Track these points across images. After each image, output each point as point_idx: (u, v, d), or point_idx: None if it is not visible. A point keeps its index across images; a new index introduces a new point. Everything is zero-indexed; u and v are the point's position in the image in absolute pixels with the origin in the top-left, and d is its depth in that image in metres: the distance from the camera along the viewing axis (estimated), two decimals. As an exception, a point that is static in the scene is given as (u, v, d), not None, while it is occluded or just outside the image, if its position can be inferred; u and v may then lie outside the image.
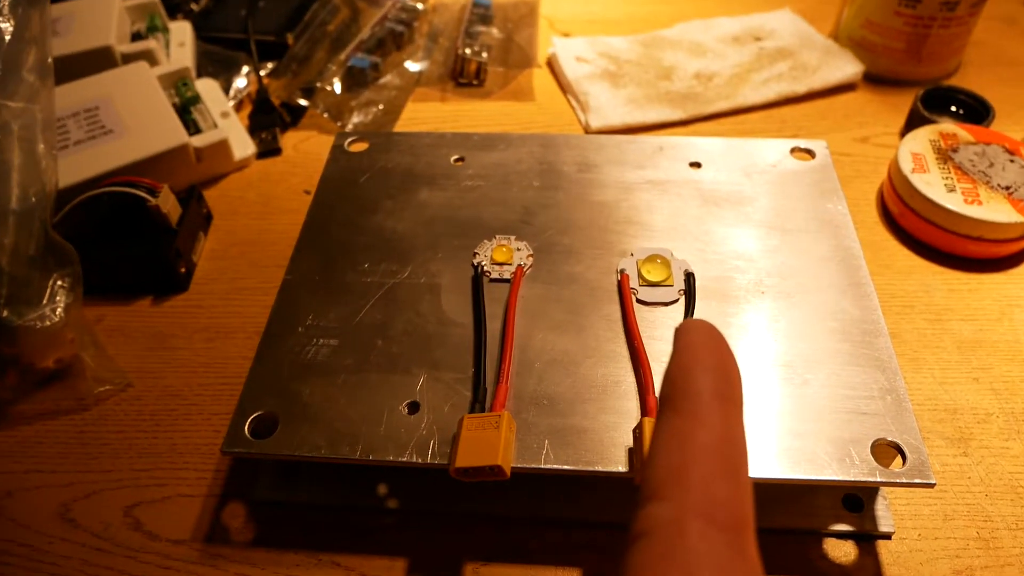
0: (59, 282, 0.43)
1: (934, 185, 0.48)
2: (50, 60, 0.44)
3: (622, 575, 0.18)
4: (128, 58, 0.57)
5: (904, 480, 0.32)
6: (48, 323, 0.41)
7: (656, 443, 0.20)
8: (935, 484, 0.32)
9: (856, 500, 0.37)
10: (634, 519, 0.19)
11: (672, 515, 0.18)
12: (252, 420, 0.35)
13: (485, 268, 0.41)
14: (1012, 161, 0.49)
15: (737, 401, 0.21)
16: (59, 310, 0.42)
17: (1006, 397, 0.42)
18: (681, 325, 0.23)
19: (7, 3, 0.43)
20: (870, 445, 0.33)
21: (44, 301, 0.42)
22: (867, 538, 0.36)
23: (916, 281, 0.48)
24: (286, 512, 0.38)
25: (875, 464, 0.33)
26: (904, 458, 0.33)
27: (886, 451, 0.33)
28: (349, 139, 0.50)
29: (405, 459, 0.34)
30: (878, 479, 0.32)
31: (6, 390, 0.43)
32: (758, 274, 0.41)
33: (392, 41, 0.66)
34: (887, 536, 0.36)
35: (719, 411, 0.20)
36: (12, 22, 0.43)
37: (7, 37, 0.42)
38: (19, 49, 0.43)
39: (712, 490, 0.19)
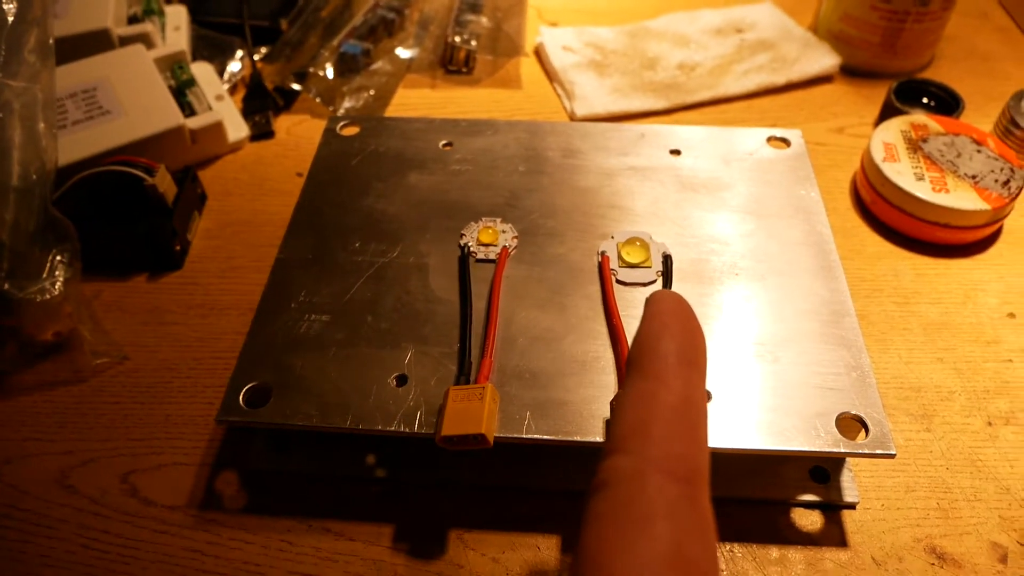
0: (58, 257, 0.44)
1: (904, 174, 0.50)
2: (51, 41, 0.45)
3: (584, 522, 0.20)
4: (125, 40, 0.58)
5: (867, 451, 0.34)
6: (48, 296, 0.43)
7: (622, 401, 0.22)
8: (895, 455, 0.34)
9: (823, 472, 0.39)
10: (597, 470, 0.21)
11: (633, 467, 0.20)
12: (246, 390, 0.37)
13: (471, 249, 0.43)
14: (979, 151, 0.51)
15: (700, 367, 0.23)
16: (58, 284, 0.43)
17: (968, 376, 0.44)
18: (652, 295, 0.25)
19: (9, -15, 0.44)
20: (835, 418, 0.35)
21: (44, 275, 0.43)
22: (833, 508, 0.38)
23: (885, 266, 0.50)
24: (278, 480, 0.40)
25: (839, 436, 0.34)
26: (867, 430, 0.35)
27: (851, 424, 0.35)
28: (341, 123, 0.51)
29: (393, 428, 0.35)
30: (842, 450, 0.34)
31: (5, 361, 0.44)
32: (733, 257, 0.42)
33: (384, 28, 0.67)
34: (852, 506, 0.38)
35: (682, 374, 0.22)
36: (15, 3, 0.44)
37: (10, 18, 0.43)
38: (22, 30, 0.44)
39: (671, 446, 0.20)
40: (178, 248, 0.50)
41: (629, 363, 0.23)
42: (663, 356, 0.22)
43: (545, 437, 0.35)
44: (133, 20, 0.62)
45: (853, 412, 0.35)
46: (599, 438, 0.35)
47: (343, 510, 0.39)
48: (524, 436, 0.35)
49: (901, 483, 0.39)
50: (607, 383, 0.37)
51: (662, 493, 0.19)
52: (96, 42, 0.57)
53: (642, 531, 0.19)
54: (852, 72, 0.66)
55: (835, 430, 0.35)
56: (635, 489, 0.19)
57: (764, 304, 0.40)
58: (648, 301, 0.24)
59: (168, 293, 0.49)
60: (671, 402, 0.21)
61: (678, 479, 0.20)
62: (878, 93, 0.63)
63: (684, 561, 0.18)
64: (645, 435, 0.21)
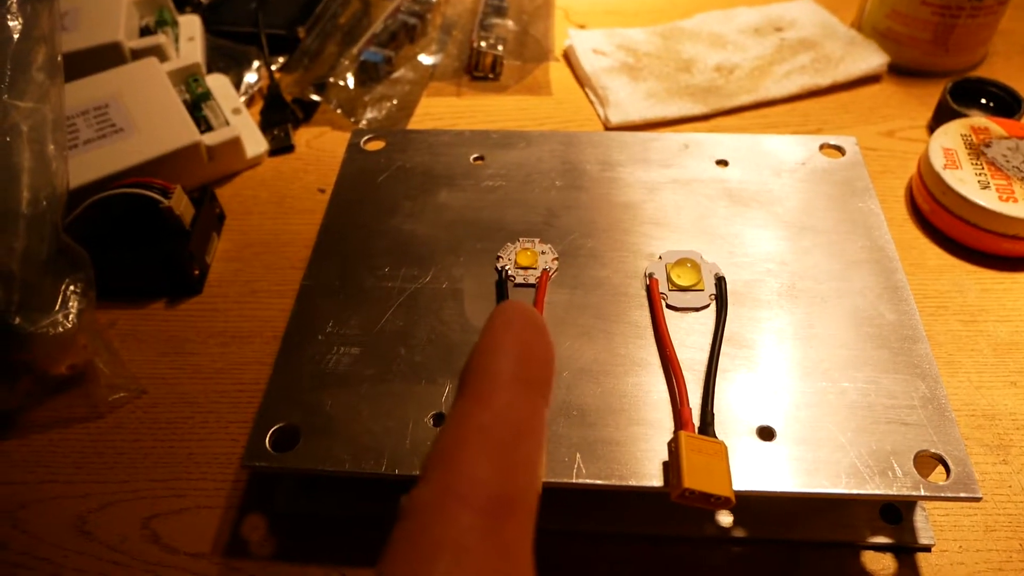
0: (71, 287, 0.41)
1: (967, 182, 0.47)
2: (60, 58, 0.43)
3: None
4: (137, 54, 0.56)
5: (949, 494, 0.31)
6: (61, 329, 0.40)
7: (441, 426, 0.19)
8: (981, 498, 0.31)
9: (895, 511, 0.36)
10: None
11: (428, 496, 0.18)
12: (273, 432, 0.34)
13: (509, 272, 0.40)
14: (1047, 157, 0.48)
15: (538, 387, 0.20)
16: (72, 316, 0.41)
17: (1045, 402, 0.41)
18: (496, 307, 0.22)
19: (15, 0, 0.41)
20: (912, 457, 0.32)
21: (57, 307, 0.41)
22: (907, 550, 0.35)
23: (948, 280, 0.47)
24: (308, 524, 0.37)
25: (918, 477, 0.32)
26: (948, 471, 0.32)
27: (927, 462, 0.32)
28: (365, 137, 0.48)
29: (432, 474, 0.33)
30: (923, 493, 0.31)
31: (19, 397, 0.42)
32: (791, 277, 0.40)
33: (405, 34, 0.64)
34: (927, 548, 0.35)
35: (510, 394, 0.19)
36: (20, 20, 0.41)
37: (15, 36, 0.41)
38: (28, 48, 0.41)
39: (475, 471, 0.18)
40: (197, 272, 0.47)
41: (458, 383, 0.20)
42: (489, 374, 0.20)
43: (597, 482, 0.32)
44: (145, 32, 0.60)
45: (932, 451, 0.32)
46: (656, 482, 0.32)
47: (378, 557, 0.36)
48: (575, 481, 0.32)
49: (979, 522, 0.36)
50: (660, 420, 0.34)
51: (454, 525, 0.17)
52: (107, 56, 0.55)
53: (421, 570, 0.16)
54: (900, 71, 0.62)
55: (914, 471, 0.32)
56: (424, 522, 0.17)
57: (827, 329, 0.37)
58: (491, 314, 0.21)
59: (187, 320, 0.46)
60: (485, 423, 0.19)
61: (478, 509, 0.17)
62: (930, 93, 0.60)
63: None
64: (448, 461, 0.18)
